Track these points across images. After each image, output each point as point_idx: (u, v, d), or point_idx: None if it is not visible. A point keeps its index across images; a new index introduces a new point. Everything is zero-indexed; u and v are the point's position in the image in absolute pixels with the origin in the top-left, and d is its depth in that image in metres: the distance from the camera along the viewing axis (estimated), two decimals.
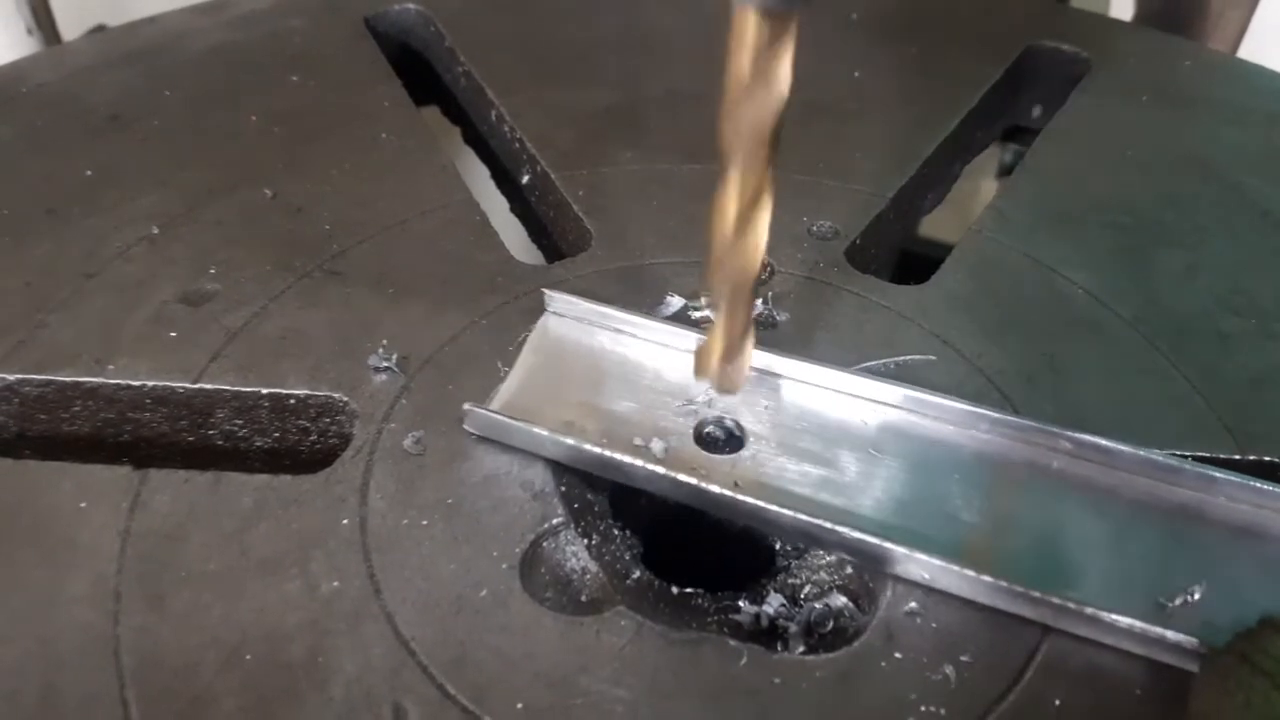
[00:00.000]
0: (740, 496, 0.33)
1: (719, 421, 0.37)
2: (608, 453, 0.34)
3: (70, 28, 1.04)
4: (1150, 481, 0.35)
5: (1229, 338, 0.42)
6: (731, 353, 0.34)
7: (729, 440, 0.37)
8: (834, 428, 0.37)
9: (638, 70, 0.58)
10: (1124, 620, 0.30)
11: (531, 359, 0.39)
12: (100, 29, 1.09)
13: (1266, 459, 0.37)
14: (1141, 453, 0.35)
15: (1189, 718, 0.27)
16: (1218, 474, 0.35)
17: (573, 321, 0.41)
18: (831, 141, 0.53)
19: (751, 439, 0.37)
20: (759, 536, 0.39)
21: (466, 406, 0.36)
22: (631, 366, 0.39)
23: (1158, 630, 0.30)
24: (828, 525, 0.32)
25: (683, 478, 0.34)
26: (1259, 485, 0.34)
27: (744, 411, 0.37)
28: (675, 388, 0.38)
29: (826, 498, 0.34)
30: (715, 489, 0.33)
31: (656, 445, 0.36)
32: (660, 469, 0.34)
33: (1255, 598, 0.32)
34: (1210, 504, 0.35)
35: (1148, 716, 0.30)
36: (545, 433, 0.35)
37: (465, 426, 0.36)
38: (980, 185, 0.94)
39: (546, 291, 0.41)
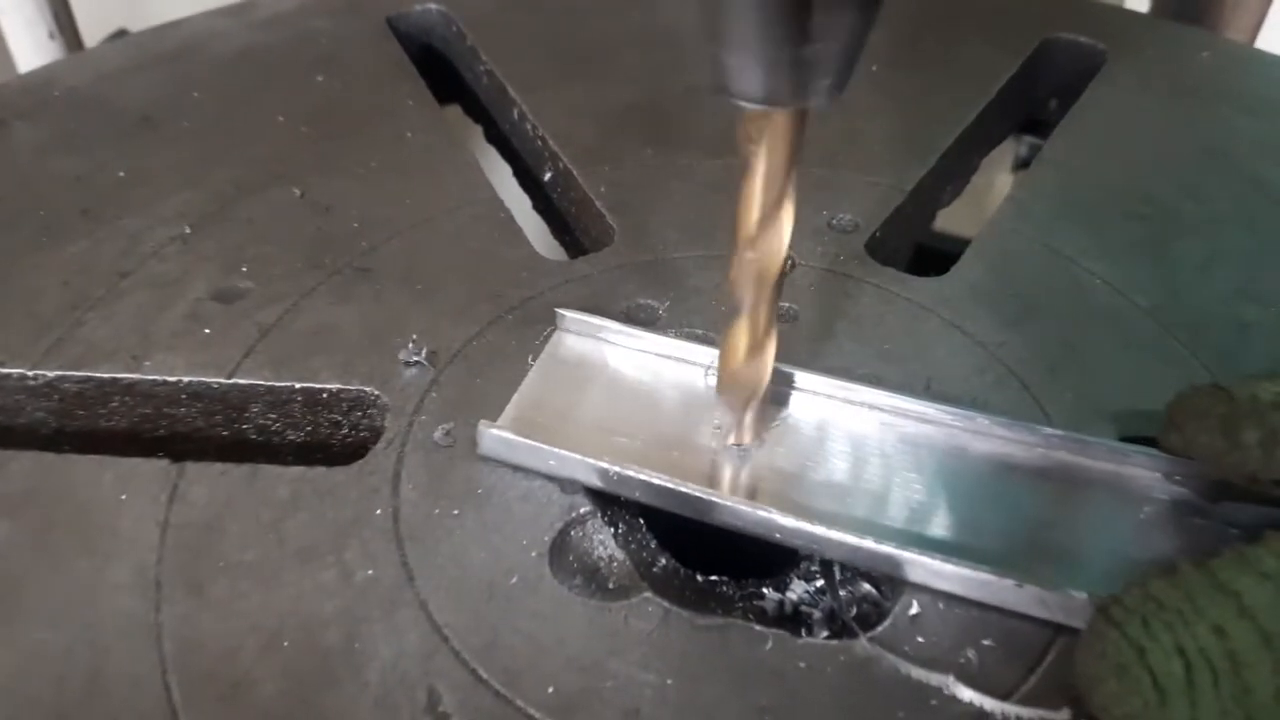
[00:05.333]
0: (781, 518, 0.33)
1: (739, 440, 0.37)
2: (641, 475, 0.34)
3: (92, 32, 1.06)
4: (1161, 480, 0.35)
5: (1248, 326, 0.43)
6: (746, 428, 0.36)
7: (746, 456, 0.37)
8: (854, 439, 0.37)
9: (657, 67, 0.59)
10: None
11: (540, 378, 0.39)
12: (122, 33, 1.11)
13: None
14: (1157, 456, 0.35)
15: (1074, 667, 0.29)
16: None
17: (586, 339, 0.40)
18: (851, 135, 0.53)
19: (770, 454, 0.37)
20: None
21: (481, 427, 0.36)
22: (646, 384, 0.39)
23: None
24: (853, 541, 0.33)
25: (723, 499, 0.34)
26: None
27: (761, 427, 0.37)
28: (692, 404, 0.38)
29: (850, 510, 0.34)
30: (761, 511, 0.33)
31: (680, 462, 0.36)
32: (697, 490, 0.34)
33: None
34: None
35: None
36: (575, 455, 0.35)
37: (480, 451, 0.36)
38: (995, 179, 0.94)
39: (560, 311, 0.40)
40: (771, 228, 0.30)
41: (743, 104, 0.27)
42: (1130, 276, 0.45)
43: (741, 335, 0.33)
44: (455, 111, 0.63)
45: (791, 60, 0.26)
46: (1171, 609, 0.27)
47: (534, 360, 0.39)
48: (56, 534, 0.34)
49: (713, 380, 0.38)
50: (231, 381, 0.39)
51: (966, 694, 0.30)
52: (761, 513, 0.33)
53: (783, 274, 0.32)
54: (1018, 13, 0.65)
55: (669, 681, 0.30)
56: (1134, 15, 0.71)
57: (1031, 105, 0.63)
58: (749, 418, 0.36)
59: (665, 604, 0.32)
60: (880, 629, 0.32)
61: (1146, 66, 0.60)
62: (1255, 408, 0.32)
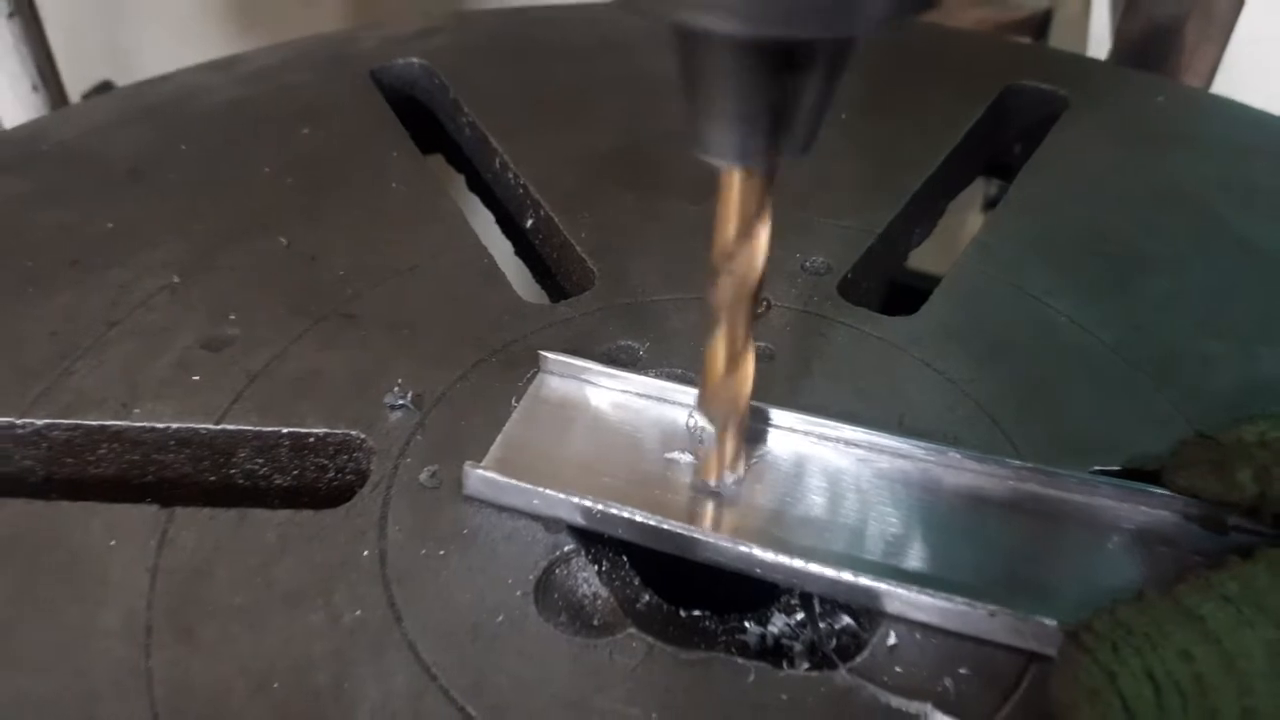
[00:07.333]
0: (761, 553, 0.34)
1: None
2: (624, 513, 0.35)
3: (75, 85, 1.07)
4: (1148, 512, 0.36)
5: (1210, 360, 0.44)
6: (728, 467, 0.37)
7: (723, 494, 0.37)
8: (831, 475, 0.38)
9: (636, 114, 0.61)
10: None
11: (524, 419, 0.40)
12: (106, 85, 1.12)
13: None
14: (1140, 488, 0.36)
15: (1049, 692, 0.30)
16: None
17: (568, 380, 0.41)
18: (822, 180, 0.55)
19: (749, 490, 0.37)
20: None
21: (466, 468, 0.36)
22: (628, 424, 0.40)
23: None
24: (832, 574, 0.33)
25: (705, 536, 0.35)
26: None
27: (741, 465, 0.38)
28: (673, 443, 0.39)
29: (828, 544, 0.35)
30: (744, 547, 0.34)
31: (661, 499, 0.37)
32: (679, 527, 0.35)
33: None
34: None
35: None
36: (559, 494, 0.35)
37: (465, 492, 0.37)
38: (966, 219, 0.96)
39: (543, 353, 0.41)
40: (748, 243, 0.31)
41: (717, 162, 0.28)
42: (1095, 314, 0.46)
43: (720, 349, 0.34)
44: (438, 161, 0.64)
45: (762, 125, 0.27)
46: (1140, 634, 0.28)
47: (518, 402, 0.40)
48: (46, 581, 0.34)
49: (695, 421, 0.39)
50: (220, 427, 0.40)
51: None
52: (742, 548, 0.34)
53: (760, 287, 0.32)
54: (982, 61, 0.68)
55: (654, 716, 0.31)
56: (1093, 63, 0.74)
57: (996, 149, 0.65)
58: (729, 452, 0.36)
59: (649, 640, 0.33)
60: (859, 660, 0.32)
61: (1106, 111, 0.62)
62: (1243, 449, 0.34)
